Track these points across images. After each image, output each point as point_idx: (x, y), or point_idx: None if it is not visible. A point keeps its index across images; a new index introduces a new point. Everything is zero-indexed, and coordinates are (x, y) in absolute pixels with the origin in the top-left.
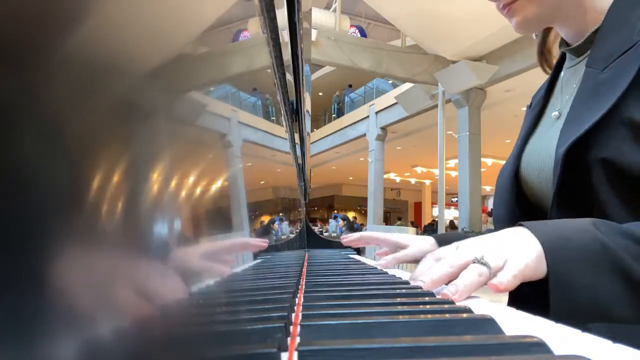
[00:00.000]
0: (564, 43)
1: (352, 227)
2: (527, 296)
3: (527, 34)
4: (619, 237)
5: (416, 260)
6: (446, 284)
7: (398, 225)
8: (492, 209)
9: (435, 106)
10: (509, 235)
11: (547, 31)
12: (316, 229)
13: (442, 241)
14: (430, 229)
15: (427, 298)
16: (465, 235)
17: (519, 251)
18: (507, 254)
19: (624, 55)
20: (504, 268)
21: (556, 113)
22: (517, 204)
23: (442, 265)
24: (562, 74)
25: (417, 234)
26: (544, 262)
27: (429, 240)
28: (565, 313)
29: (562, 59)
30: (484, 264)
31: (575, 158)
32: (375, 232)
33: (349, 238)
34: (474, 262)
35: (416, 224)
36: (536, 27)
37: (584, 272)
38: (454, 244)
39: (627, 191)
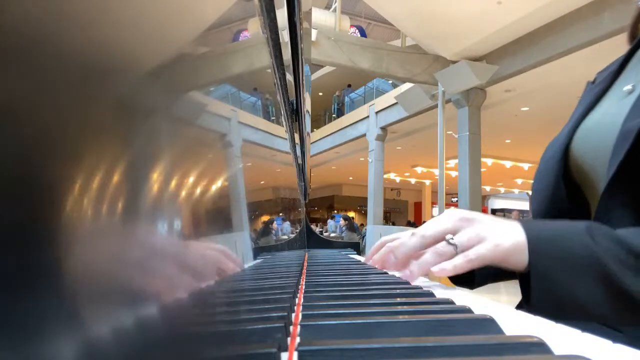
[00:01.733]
0: None
1: (352, 227)
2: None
3: (527, 35)
4: (611, 243)
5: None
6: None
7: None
8: (532, 183)
9: (435, 106)
10: (498, 223)
11: None
12: (316, 230)
13: None
14: None
15: (427, 298)
16: None
17: (494, 236)
18: (482, 233)
19: None
20: (466, 251)
21: (629, 87)
22: (563, 181)
23: (414, 239)
24: (638, 52)
25: None
26: (523, 253)
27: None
28: (545, 305)
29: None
30: (452, 244)
31: None
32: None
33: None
34: (444, 241)
35: (417, 224)
36: None
37: (565, 270)
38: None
39: None
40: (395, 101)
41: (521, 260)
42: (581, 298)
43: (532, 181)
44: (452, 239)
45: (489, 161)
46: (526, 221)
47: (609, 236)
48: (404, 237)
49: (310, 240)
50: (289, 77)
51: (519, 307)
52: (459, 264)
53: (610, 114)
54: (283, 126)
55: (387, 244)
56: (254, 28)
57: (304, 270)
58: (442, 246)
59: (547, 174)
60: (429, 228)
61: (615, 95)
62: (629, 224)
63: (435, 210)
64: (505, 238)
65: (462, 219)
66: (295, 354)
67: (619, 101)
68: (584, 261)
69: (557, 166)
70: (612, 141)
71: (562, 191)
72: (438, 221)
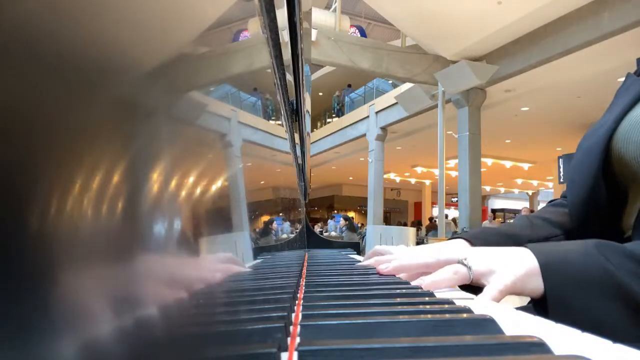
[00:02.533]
0: None
1: (352, 227)
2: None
3: (527, 35)
4: (623, 259)
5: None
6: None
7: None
8: (563, 175)
9: (435, 106)
10: (505, 250)
11: None
12: (317, 229)
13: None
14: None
15: (427, 298)
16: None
17: (508, 264)
18: (493, 264)
19: None
20: (491, 282)
21: None
22: (604, 176)
23: (429, 260)
24: None
25: (418, 234)
26: (539, 280)
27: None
28: (565, 323)
29: None
30: (465, 265)
31: None
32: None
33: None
34: (458, 263)
35: (421, 223)
36: None
37: (583, 295)
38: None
39: None
40: (395, 101)
41: (537, 287)
42: (601, 319)
43: (564, 178)
44: (465, 259)
45: (489, 161)
46: (533, 246)
47: (621, 251)
48: (408, 254)
49: (310, 240)
50: (289, 77)
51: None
52: (494, 296)
53: None
54: (283, 126)
55: (396, 260)
56: (254, 28)
57: (304, 270)
58: (457, 266)
59: (588, 165)
60: (442, 252)
61: None
62: None
63: (435, 210)
64: (519, 265)
65: (471, 248)
66: (295, 354)
67: None
68: (599, 281)
69: (598, 157)
70: None
71: (601, 183)
72: (449, 246)
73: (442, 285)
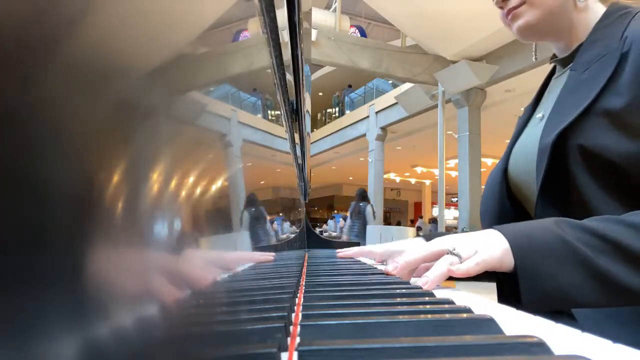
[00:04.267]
0: (554, 57)
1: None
2: (510, 293)
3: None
4: (578, 232)
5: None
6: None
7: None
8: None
9: (435, 106)
10: (480, 234)
11: None
12: (317, 230)
13: (431, 238)
14: (435, 227)
15: (427, 298)
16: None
17: (487, 245)
18: (477, 247)
19: (602, 58)
20: (470, 258)
21: (540, 115)
22: (508, 199)
23: (417, 251)
24: (550, 83)
25: (417, 234)
26: (510, 256)
27: (419, 240)
28: (535, 301)
29: (552, 72)
30: (456, 255)
31: (558, 147)
32: (371, 246)
33: (345, 252)
34: (448, 254)
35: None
36: (534, 35)
37: (547, 263)
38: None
39: (603, 176)
40: (395, 101)
41: (510, 261)
42: (566, 285)
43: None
44: (454, 249)
45: (489, 161)
46: (500, 227)
47: (575, 225)
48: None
49: (310, 240)
50: (289, 77)
51: (501, 301)
52: (470, 267)
53: (532, 136)
54: (283, 126)
55: (400, 259)
56: (254, 28)
57: (304, 270)
58: (449, 256)
59: (492, 197)
60: (433, 244)
61: (533, 122)
62: None
63: (435, 210)
64: (495, 246)
65: (454, 238)
66: (295, 354)
67: (535, 127)
68: (560, 251)
69: (499, 188)
70: (535, 159)
71: (508, 208)
72: (438, 240)
73: (442, 279)
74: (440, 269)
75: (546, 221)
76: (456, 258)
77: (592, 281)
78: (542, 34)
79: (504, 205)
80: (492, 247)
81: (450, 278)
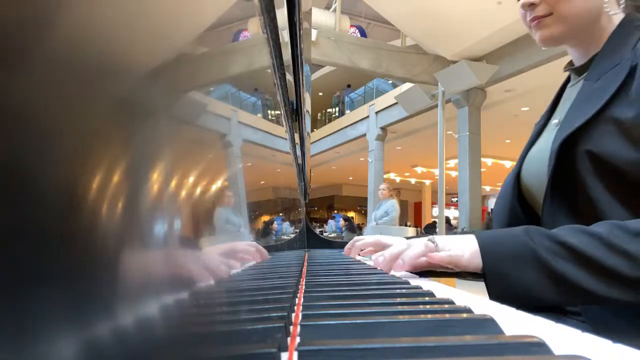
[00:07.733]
0: (570, 64)
1: (352, 227)
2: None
3: (527, 35)
4: (544, 239)
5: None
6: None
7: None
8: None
9: (435, 106)
10: (458, 237)
11: None
12: (317, 230)
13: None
14: (430, 231)
15: (427, 298)
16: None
17: (461, 245)
18: (452, 245)
19: (614, 68)
20: (444, 251)
21: (556, 121)
22: (519, 202)
23: (399, 245)
24: (565, 91)
25: (418, 234)
26: (479, 257)
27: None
28: (500, 296)
29: (567, 80)
30: (434, 242)
31: (566, 152)
32: (367, 237)
33: (363, 242)
34: (428, 241)
35: (416, 224)
36: (556, 43)
37: (510, 265)
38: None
39: (610, 181)
40: (395, 101)
41: (478, 263)
42: (528, 286)
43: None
44: (433, 239)
45: (489, 161)
46: (478, 231)
47: (543, 233)
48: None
49: (310, 240)
50: (289, 77)
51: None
52: (443, 257)
53: (546, 141)
54: (283, 126)
55: (388, 251)
56: (254, 28)
57: (304, 270)
58: (428, 242)
59: (504, 200)
60: (415, 239)
61: (549, 128)
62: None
63: (435, 210)
64: (467, 247)
65: (435, 236)
66: (295, 354)
67: (550, 133)
68: (524, 257)
69: (511, 191)
70: (547, 163)
71: (519, 211)
72: (420, 238)
73: (417, 259)
74: (417, 248)
75: (517, 229)
76: (433, 245)
77: (552, 282)
78: (563, 43)
79: (515, 208)
80: (464, 247)
81: (429, 272)
